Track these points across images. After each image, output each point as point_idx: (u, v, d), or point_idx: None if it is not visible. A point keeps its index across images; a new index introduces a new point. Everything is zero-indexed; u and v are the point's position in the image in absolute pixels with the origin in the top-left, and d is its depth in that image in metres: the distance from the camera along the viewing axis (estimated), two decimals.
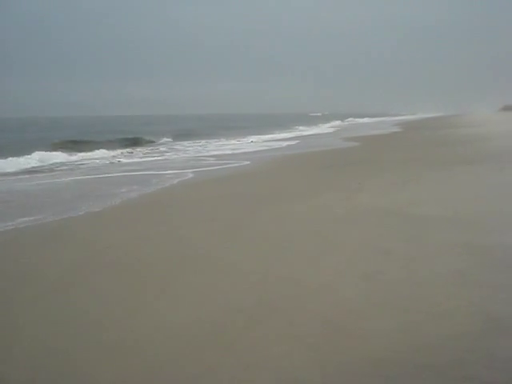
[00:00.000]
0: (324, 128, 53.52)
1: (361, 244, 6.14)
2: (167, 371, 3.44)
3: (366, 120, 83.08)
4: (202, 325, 4.12)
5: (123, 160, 21.10)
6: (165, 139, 36.65)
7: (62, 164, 20.10)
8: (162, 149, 28.05)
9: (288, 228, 7.20)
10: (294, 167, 15.86)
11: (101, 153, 24.53)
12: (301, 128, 53.79)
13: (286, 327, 3.98)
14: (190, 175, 14.19)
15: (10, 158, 19.70)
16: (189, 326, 4.13)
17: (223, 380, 3.31)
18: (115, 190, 11.40)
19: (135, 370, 3.49)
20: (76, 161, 21.47)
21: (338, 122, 69.73)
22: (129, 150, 27.64)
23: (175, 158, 21.08)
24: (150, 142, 34.15)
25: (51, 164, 19.83)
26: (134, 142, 32.78)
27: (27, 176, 15.97)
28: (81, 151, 24.83)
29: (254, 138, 34.58)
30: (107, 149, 26.18)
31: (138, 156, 23.53)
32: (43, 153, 21.82)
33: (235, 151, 23.54)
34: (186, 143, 32.68)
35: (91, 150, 25.51)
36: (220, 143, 31.60)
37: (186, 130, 45.52)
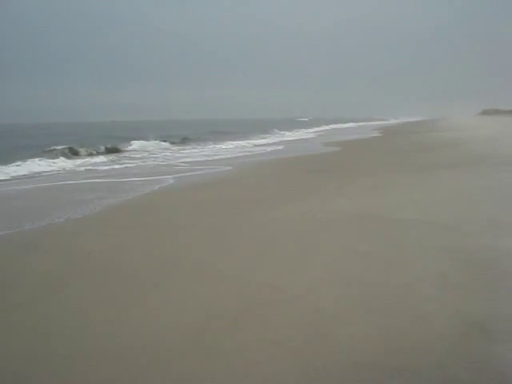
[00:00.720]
0: (307, 133, 53.74)
1: (341, 248, 6.17)
2: (148, 377, 3.41)
3: (350, 125, 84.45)
4: (183, 330, 4.10)
5: (101, 167, 20.54)
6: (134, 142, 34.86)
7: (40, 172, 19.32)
8: (134, 155, 26.93)
9: (268, 233, 7.20)
10: (275, 172, 15.88)
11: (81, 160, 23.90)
12: (284, 133, 53.95)
13: (268, 332, 3.97)
14: (171, 181, 14.12)
15: None
16: (170, 331, 4.10)
17: None
18: (92, 197, 11.28)
19: (115, 376, 3.46)
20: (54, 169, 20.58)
21: (322, 127, 70.10)
22: (113, 155, 26.93)
23: (146, 165, 20.41)
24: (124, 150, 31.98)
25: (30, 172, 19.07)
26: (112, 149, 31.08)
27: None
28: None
29: (235, 144, 34.48)
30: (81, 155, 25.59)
31: (118, 162, 23.03)
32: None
33: (215, 157, 23.38)
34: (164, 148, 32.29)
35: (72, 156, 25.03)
36: (200, 149, 31.46)
37: (171, 136, 44.13)
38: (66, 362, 3.71)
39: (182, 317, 4.39)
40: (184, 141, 39.88)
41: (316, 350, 3.63)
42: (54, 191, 13.05)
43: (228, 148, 30.62)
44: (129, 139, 35.65)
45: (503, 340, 3.59)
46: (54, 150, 27.83)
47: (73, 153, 27.37)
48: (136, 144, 33.14)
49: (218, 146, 32.91)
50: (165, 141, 36.85)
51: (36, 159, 21.68)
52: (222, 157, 23.31)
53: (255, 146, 32.40)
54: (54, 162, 21.67)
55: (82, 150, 28.49)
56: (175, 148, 32.73)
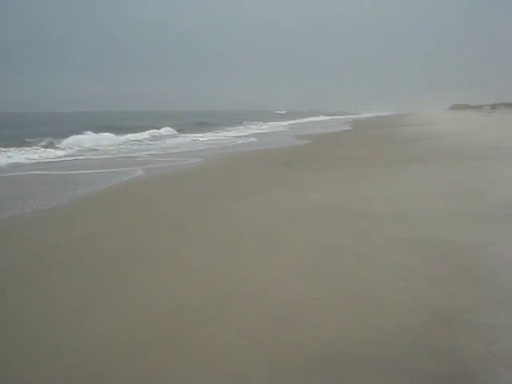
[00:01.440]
0: (280, 126, 53.97)
1: (309, 240, 6.19)
2: (114, 371, 3.38)
3: (324, 118, 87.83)
4: (150, 324, 4.07)
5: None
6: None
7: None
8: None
9: (236, 225, 7.19)
10: (245, 165, 15.86)
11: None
12: (256, 125, 54.05)
13: (235, 324, 3.97)
14: (140, 172, 13.96)
15: None
16: (136, 325, 4.06)
17: (170, 378, 3.28)
18: (61, 188, 11.08)
19: (81, 370, 3.41)
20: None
21: (297, 120, 70.60)
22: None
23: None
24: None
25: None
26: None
27: None
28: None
29: (206, 136, 34.25)
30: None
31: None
32: None
33: (181, 149, 23.15)
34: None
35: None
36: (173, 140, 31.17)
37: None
38: (31, 355, 3.64)
39: (149, 309, 4.36)
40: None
41: (282, 341, 3.65)
42: (16, 182, 12.77)
43: (204, 140, 30.30)
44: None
45: (467, 331, 3.66)
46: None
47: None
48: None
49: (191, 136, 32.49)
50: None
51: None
52: (193, 149, 23.14)
53: (227, 138, 32.30)
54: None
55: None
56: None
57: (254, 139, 29.79)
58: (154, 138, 33.87)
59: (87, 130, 32.06)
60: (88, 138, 28.30)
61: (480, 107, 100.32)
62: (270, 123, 58.98)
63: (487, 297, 4.26)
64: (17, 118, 76.32)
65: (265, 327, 3.89)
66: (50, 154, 21.62)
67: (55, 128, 41.83)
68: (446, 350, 3.41)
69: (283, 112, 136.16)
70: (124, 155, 20.74)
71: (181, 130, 40.80)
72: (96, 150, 23.88)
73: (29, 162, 18.27)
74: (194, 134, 35.89)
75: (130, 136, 32.72)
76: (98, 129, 33.75)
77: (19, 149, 22.69)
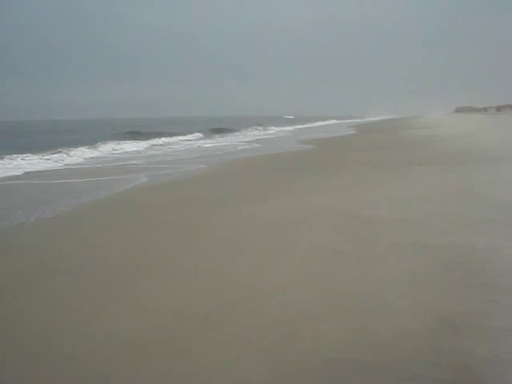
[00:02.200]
0: (285, 130, 54.35)
1: (314, 245, 6.18)
2: (119, 377, 3.38)
3: (331, 122, 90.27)
4: (155, 330, 4.08)
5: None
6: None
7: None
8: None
9: (241, 231, 7.18)
10: (249, 170, 15.86)
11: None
12: (261, 130, 54.26)
13: (239, 330, 3.96)
14: (144, 179, 13.98)
15: None
16: (142, 331, 4.07)
17: None
18: (64, 197, 11.11)
19: (86, 376, 3.42)
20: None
21: (305, 125, 71.16)
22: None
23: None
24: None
25: None
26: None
27: None
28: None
29: (210, 142, 34.31)
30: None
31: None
32: None
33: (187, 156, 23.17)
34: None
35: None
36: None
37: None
38: (37, 361, 3.66)
39: (154, 316, 4.36)
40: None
41: (287, 348, 3.63)
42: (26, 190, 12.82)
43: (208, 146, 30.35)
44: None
45: (471, 336, 3.63)
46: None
47: None
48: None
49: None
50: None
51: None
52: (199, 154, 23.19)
53: (231, 143, 32.32)
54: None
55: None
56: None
57: (257, 144, 29.85)
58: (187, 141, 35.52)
59: (112, 137, 34.46)
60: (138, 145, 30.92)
61: (485, 109, 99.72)
62: (275, 127, 59.08)
63: (492, 301, 4.22)
64: (38, 127, 77.40)
65: (270, 334, 3.87)
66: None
67: (84, 135, 43.17)
68: (450, 355, 3.38)
69: (292, 117, 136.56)
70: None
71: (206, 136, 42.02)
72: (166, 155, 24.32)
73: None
74: (224, 138, 37.53)
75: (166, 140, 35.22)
76: (126, 136, 36.74)
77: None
